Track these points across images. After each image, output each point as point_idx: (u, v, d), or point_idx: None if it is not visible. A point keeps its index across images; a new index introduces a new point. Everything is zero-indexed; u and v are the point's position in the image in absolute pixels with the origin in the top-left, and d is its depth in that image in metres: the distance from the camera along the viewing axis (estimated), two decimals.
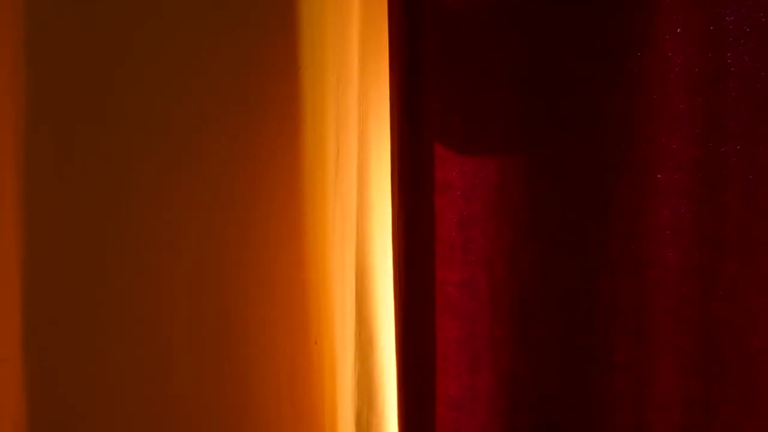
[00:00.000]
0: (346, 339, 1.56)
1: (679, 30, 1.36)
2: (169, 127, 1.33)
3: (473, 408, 1.48)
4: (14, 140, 1.21)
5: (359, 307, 1.59)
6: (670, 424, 1.40)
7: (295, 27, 1.44)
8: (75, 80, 1.25)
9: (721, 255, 1.37)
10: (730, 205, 1.36)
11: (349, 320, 1.57)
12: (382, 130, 1.57)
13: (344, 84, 1.54)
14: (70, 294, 1.27)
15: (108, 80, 1.27)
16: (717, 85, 1.36)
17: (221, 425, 1.40)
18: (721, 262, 1.37)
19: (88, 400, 1.28)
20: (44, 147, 1.24)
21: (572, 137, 1.42)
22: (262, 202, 1.43)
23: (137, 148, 1.31)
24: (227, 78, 1.38)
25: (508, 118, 1.45)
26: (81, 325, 1.27)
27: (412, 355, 1.53)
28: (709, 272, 1.38)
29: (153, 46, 1.31)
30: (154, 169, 1.32)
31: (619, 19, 1.38)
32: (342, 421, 1.55)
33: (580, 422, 1.44)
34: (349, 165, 1.56)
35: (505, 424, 1.46)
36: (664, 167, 1.38)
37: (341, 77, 1.53)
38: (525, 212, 1.44)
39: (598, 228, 1.42)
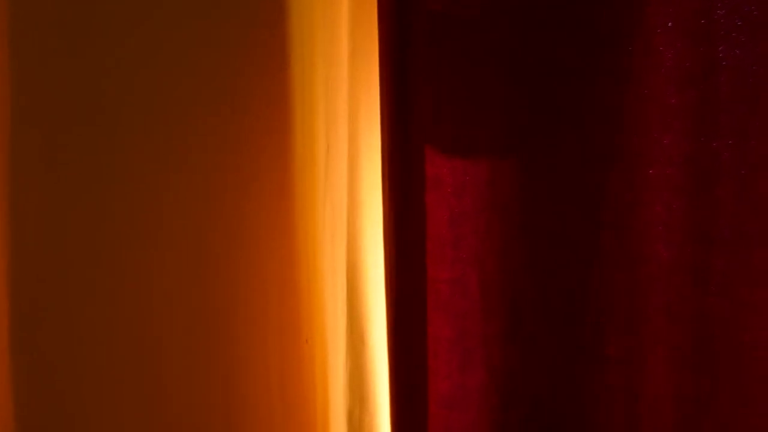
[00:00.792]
0: (338, 337, 1.56)
1: (670, 24, 1.35)
2: (157, 126, 1.33)
3: (465, 405, 1.48)
4: (0, 139, 1.21)
5: (350, 305, 1.59)
6: (663, 419, 1.39)
7: (284, 25, 1.44)
8: (62, 80, 1.25)
9: (713, 250, 1.37)
10: (723, 200, 1.36)
11: (340, 318, 1.57)
12: (372, 127, 1.57)
13: (334, 81, 1.53)
14: (59, 293, 1.26)
15: (95, 80, 1.27)
16: (709, 79, 1.35)
17: (212, 424, 1.40)
18: (713, 257, 1.37)
19: (77, 400, 1.28)
20: (31, 146, 1.23)
21: (563, 133, 1.42)
22: (251, 200, 1.43)
23: (125, 148, 1.31)
24: (216, 76, 1.38)
25: (498, 115, 1.44)
26: (70, 324, 1.27)
27: (403, 353, 1.52)
28: (701, 267, 1.37)
29: (140, 46, 1.30)
30: (142, 168, 1.32)
31: (609, 13, 1.37)
32: (334, 420, 1.55)
33: (572, 418, 1.44)
34: (339, 162, 1.55)
35: (496, 420, 1.46)
36: (655, 162, 1.37)
37: (331, 74, 1.52)
38: (516, 209, 1.44)
39: (589, 224, 1.41)
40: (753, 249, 1.35)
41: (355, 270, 1.59)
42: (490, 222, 1.45)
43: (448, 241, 1.47)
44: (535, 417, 1.46)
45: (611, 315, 1.41)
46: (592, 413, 1.43)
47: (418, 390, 1.51)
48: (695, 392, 1.38)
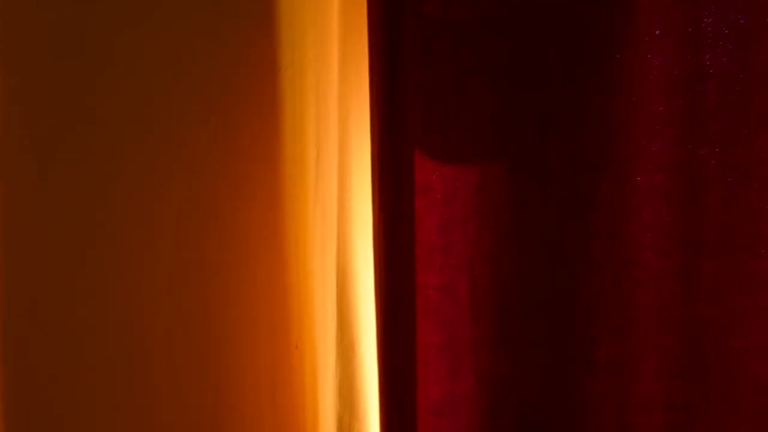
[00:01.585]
0: (327, 343, 1.55)
1: (658, 32, 1.37)
2: (146, 130, 1.32)
3: (454, 412, 1.47)
4: None
5: (340, 311, 1.58)
6: (652, 424, 1.40)
7: (274, 28, 1.44)
8: (54, 81, 1.24)
9: (701, 256, 1.38)
10: (711, 206, 1.37)
11: (330, 324, 1.56)
12: (363, 132, 1.57)
13: (324, 86, 1.53)
14: (49, 294, 1.25)
15: (85, 82, 1.26)
16: (696, 87, 1.36)
17: (201, 429, 1.39)
18: (701, 263, 1.38)
19: (65, 402, 1.27)
20: (23, 146, 1.22)
21: (552, 139, 1.42)
22: (241, 205, 1.43)
23: (115, 150, 1.30)
24: (206, 81, 1.37)
25: (488, 121, 1.45)
26: (59, 325, 1.26)
27: (393, 359, 1.52)
28: (690, 274, 1.38)
29: (130, 49, 1.30)
30: (132, 173, 1.31)
31: (598, 21, 1.39)
32: (323, 426, 1.54)
33: (562, 424, 1.44)
34: (329, 167, 1.55)
35: (486, 427, 1.46)
36: (644, 169, 1.38)
37: (321, 79, 1.52)
38: (505, 215, 1.44)
39: (578, 230, 1.42)
40: (741, 255, 1.36)
41: (345, 275, 1.59)
42: (480, 228, 1.45)
43: (437, 247, 1.48)
44: (524, 423, 1.46)
45: (600, 321, 1.41)
46: (582, 419, 1.43)
47: (407, 396, 1.51)
48: (685, 398, 1.38)
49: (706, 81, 1.36)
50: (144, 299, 1.32)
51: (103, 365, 1.28)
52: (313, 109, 1.50)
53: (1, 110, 1.20)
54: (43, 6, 1.22)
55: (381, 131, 1.51)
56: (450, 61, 1.45)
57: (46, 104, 1.24)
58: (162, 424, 1.35)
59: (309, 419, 1.51)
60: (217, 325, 1.39)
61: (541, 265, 1.44)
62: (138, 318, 1.31)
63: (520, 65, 1.42)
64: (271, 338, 1.47)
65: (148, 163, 1.32)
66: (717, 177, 1.36)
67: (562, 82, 1.41)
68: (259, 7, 1.41)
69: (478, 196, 1.45)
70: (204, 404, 1.39)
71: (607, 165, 1.40)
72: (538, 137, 1.43)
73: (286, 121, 1.46)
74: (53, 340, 1.25)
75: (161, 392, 1.35)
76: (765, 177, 1.35)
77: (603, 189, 1.40)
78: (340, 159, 1.57)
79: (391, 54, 1.50)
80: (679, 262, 1.38)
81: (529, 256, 1.44)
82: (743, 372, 1.36)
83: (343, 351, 1.59)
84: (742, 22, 1.34)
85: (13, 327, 1.21)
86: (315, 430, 1.52)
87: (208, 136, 1.37)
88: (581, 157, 1.41)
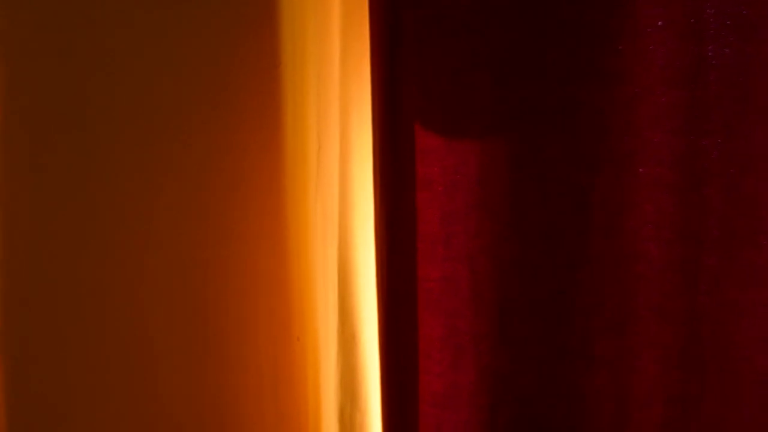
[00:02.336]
0: (329, 335, 1.56)
1: (660, 23, 1.35)
2: (147, 126, 1.33)
3: (456, 404, 1.48)
4: None
5: (342, 304, 1.59)
6: (652, 419, 1.39)
7: (275, 23, 1.44)
8: (50, 81, 1.25)
9: (703, 249, 1.37)
10: (712, 199, 1.36)
11: (331, 316, 1.57)
12: (364, 126, 1.57)
13: (325, 80, 1.53)
14: (50, 294, 1.27)
15: (84, 80, 1.27)
16: (698, 79, 1.35)
17: (204, 423, 1.40)
18: (703, 256, 1.37)
19: (67, 401, 1.28)
20: (20, 147, 1.24)
21: (554, 132, 1.42)
22: (243, 198, 1.43)
23: (116, 147, 1.31)
24: (207, 76, 1.38)
25: (488, 114, 1.44)
26: (61, 324, 1.27)
27: (394, 351, 1.53)
28: (691, 267, 1.37)
29: (130, 45, 1.31)
30: (133, 168, 1.32)
31: (599, 13, 1.38)
32: (325, 418, 1.55)
33: (562, 418, 1.44)
34: (331, 161, 1.55)
35: (487, 419, 1.46)
36: (646, 161, 1.38)
37: (322, 73, 1.52)
38: (507, 208, 1.44)
39: (579, 222, 1.42)
40: (743, 248, 1.35)
41: (347, 268, 1.59)
42: (481, 221, 1.45)
43: (439, 240, 1.48)
44: (525, 416, 1.46)
45: (602, 314, 1.41)
46: (582, 412, 1.43)
47: (409, 388, 1.51)
48: (684, 392, 1.38)
49: (708, 72, 1.34)
50: (145, 293, 1.33)
51: (105, 361, 1.30)
52: (314, 104, 1.51)
53: (1, 109, 1.21)
54: (43, 6, 1.23)
55: (382, 125, 1.51)
56: (451, 55, 1.45)
57: (44, 103, 1.25)
58: (166, 415, 1.37)
59: (311, 410, 1.52)
60: (219, 318, 1.41)
61: (542, 258, 1.43)
62: (140, 314, 1.33)
63: (522, 58, 1.42)
64: (273, 330, 1.47)
65: (148, 160, 1.33)
66: (719, 169, 1.35)
67: (564, 75, 1.40)
68: (260, 2, 1.42)
69: (479, 189, 1.45)
70: (207, 396, 1.40)
71: (608, 157, 1.39)
72: (540, 130, 1.42)
73: (288, 115, 1.47)
74: (55, 337, 1.27)
75: (165, 384, 1.36)
76: (766, 168, 1.34)
77: (604, 181, 1.40)
78: (341, 152, 1.58)
79: (391, 48, 1.49)
80: (681, 254, 1.37)
81: (531, 249, 1.44)
82: (744, 365, 1.35)
83: (344, 343, 1.60)
84: (744, 14, 1.33)
85: (13, 327, 1.23)
86: (317, 421, 1.53)
87: (209, 131, 1.38)
88: (582, 149, 1.41)
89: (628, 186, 1.39)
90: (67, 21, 1.25)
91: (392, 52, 1.50)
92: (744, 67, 1.33)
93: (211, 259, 1.40)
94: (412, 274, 1.50)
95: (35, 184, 1.25)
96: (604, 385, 1.41)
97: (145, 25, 1.32)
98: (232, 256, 1.42)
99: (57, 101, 1.25)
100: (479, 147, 1.45)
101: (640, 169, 1.38)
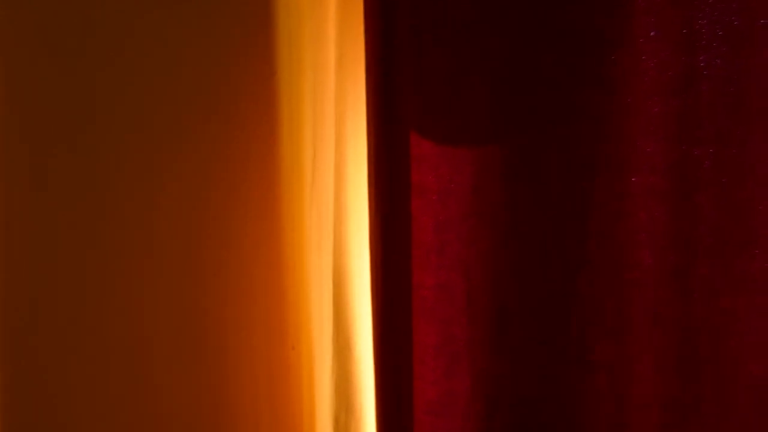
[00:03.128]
0: (324, 343, 1.56)
1: (653, 33, 1.37)
2: (144, 132, 1.33)
3: (451, 412, 1.48)
4: None
5: (336, 312, 1.59)
6: (649, 424, 1.40)
7: (271, 30, 1.44)
8: (50, 85, 1.24)
9: (696, 257, 1.38)
10: (705, 207, 1.37)
11: (326, 325, 1.57)
12: (359, 133, 1.57)
13: (321, 87, 1.54)
14: (48, 297, 1.26)
15: (82, 84, 1.27)
16: (690, 89, 1.36)
17: (199, 430, 1.39)
18: (697, 263, 1.38)
19: (65, 403, 1.27)
20: (20, 150, 1.23)
21: (548, 139, 1.43)
22: (238, 205, 1.43)
23: (113, 153, 1.30)
24: (203, 82, 1.38)
25: (483, 122, 1.45)
26: (58, 327, 1.26)
27: (389, 359, 1.53)
28: (685, 274, 1.39)
29: (127, 51, 1.30)
30: (129, 174, 1.32)
31: (593, 22, 1.39)
32: (320, 426, 1.54)
33: (559, 424, 1.44)
34: (326, 168, 1.56)
35: (482, 427, 1.46)
36: (639, 170, 1.39)
37: (317, 80, 1.53)
38: (501, 215, 1.45)
39: (574, 230, 1.42)
40: (736, 255, 1.36)
41: (341, 276, 1.59)
42: (475, 228, 1.45)
43: (433, 248, 1.48)
44: (520, 423, 1.46)
45: (596, 321, 1.42)
46: (578, 419, 1.43)
47: (404, 396, 1.51)
48: (680, 398, 1.39)
49: (701, 82, 1.36)
50: (141, 300, 1.33)
51: (101, 366, 1.29)
52: (309, 110, 1.51)
53: (1, 112, 1.20)
54: (42, 7, 1.22)
55: (377, 132, 1.52)
56: (446, 63, 1.45)
57: (44, 105, 1.24)
58: (161, 424, 1.36)
59: (306, 419, 1.52)
60: (214, 326, 1.40)
61: (536, 265, 1.44)
62: (136, 319, 1.32)
63: (516, 66, 1.43)
64: (268, 339, 1.47)
65: (145, 166, 1.32)
66: (711, 177, 1.37)
67: (558, 84, 1.41)
68: (256, 9, 1.42)
69: (473, 197, 1.45)
70: (202, 404, 1.39)
71: (602, 165, 1.40)
72: (533, 138, 1.43)
73: (283, 122, 1.47)
74: (53, 341, 1.26)
75: (160, 392, 1.35)
76: (759, 177, 1.36)
77: (598, 189, 1.41)
78: (337, 159, 1.58)
79: (387, 56, 1.50)
80: (674, 262, 1.39)
81: (525, 256, 1.44)
82: (738, 371, 1.37)
83: (339, 351, 1.60)
84: (736, 24, 1.35)
85: (13, 327, 1.22)
86: (312, 429, 1.53)
87: (205, 138, 1.38)
88: (576, 157, 1.41)
89: (622, 194, 1.40)
90: (67, 24, 1.25)
91: (387, 60, 1.50)
92: (735, 77, 1.35)
93: (206, 266, 1.39)
94: (406, 281, 1.50)
95: (32, 187, 1.24)
96: (600, 391, 1.42)
97: (140, 36, 1.31)
98: (228, 263, 1.42)
99: (56, 104, 1.25)
100: (473, 155, 1.46)
101: (633, 178, 1.39)
